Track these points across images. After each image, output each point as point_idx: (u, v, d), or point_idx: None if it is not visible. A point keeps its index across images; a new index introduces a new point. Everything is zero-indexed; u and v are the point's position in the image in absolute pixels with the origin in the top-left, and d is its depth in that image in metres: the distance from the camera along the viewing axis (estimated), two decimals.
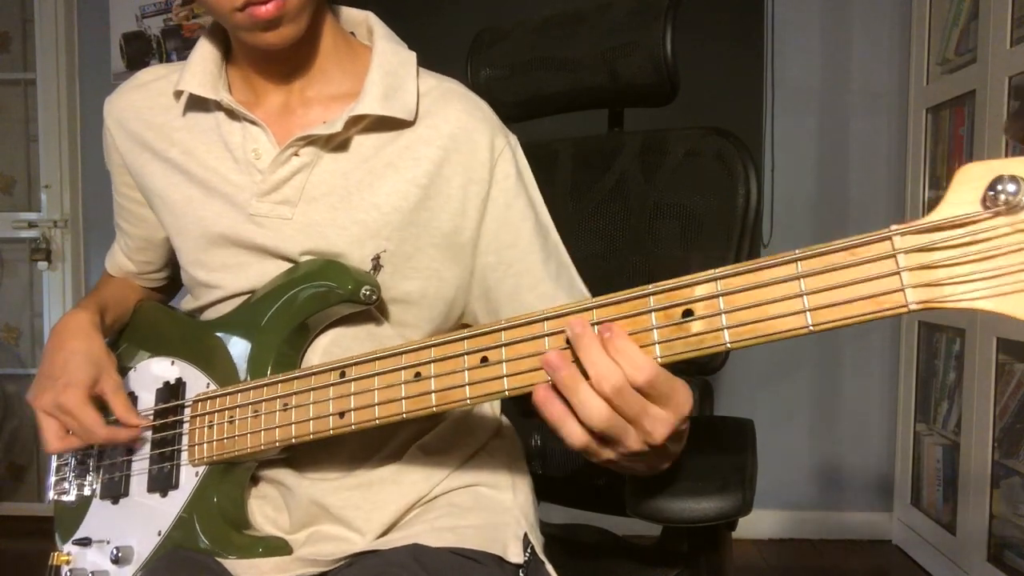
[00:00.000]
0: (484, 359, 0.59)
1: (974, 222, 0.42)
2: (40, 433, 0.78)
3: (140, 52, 2.46)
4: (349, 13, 0.83)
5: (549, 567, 0.76)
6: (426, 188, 0.75)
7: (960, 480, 1.92)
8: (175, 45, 2.45)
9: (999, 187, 0.41)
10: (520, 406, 0.96)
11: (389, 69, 0.76)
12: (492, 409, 0.89)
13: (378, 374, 0.65)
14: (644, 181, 1.00)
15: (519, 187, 0.79)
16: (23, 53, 2.61)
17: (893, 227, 0.44)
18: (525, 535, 0.76)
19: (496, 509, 0.78)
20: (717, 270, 0.50)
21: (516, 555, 0.73)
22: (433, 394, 0.61)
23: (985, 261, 0.42)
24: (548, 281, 0.79)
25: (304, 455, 0.77)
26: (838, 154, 2.30)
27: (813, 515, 2.34)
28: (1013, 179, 0.41)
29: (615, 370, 0.52)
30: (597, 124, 1.10)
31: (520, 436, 0.91)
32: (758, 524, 2.32)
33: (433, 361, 0.61)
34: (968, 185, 0.43)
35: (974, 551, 1.86)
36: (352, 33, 0.83)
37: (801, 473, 2.35)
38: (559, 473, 1.09)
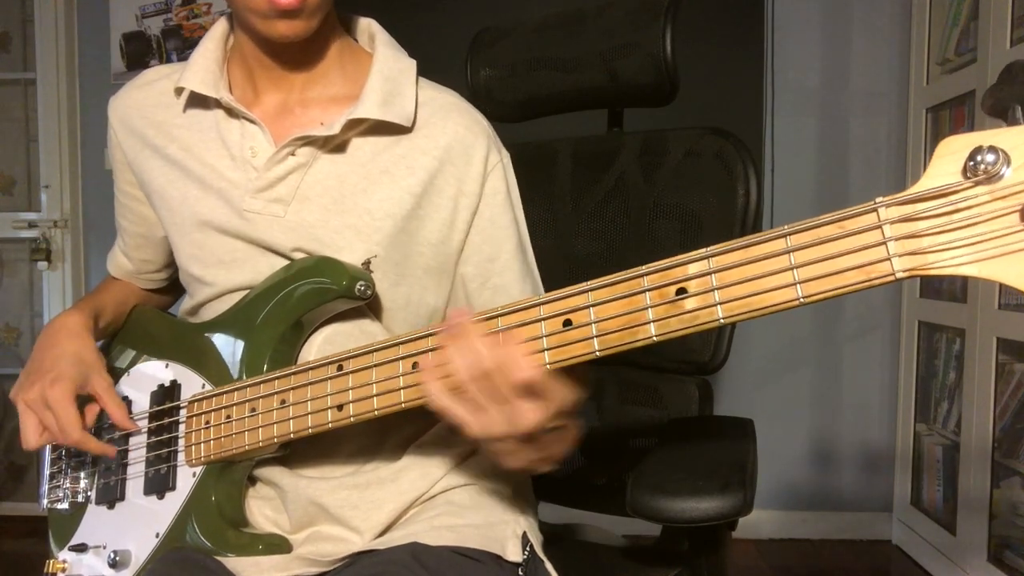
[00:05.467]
0: None
1: (955, 192, 0.44)
2: (21, 428, 0.77)
3: (140, 52, 2.46)
4: (353, 20, 0.85)
5: (548, 566, 0.76)
6: (419, 197, 0.76)
7: (960, 480, 1.92)
8: (175, 45, 2.45)
9: (978, 157, 0.43)
10: None
11: (389, 75, 0.77)
12: None
13: (375, 366, 0.65)
14: (644, 181, 1.00)
15: (506, 204, 0.81)
16: (23, 53, 2.61)
17: (878, 199, 0.46)
18: (524, 534, 0.76)
19: (495, 508, 0.78)
20: (709, 248, 0.51)
21: (515, 554, 0.73)
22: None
23: (966, 228, 0.44)
24: None
25: (302, 455, 0.77)
26: (838, 154, 2.30)
27: (813, 515, 2.34)
28: (992, 149, 0.42)
29: (484, 359, 0.56)
30: (597, 124, 1.10)
31: None
32: (758, 524, 2.32)
33: (431, 350, 0.62)
34: (949, 157, 0.45)
35: (974, 551, 1.86)
36: (355, 40, 0.84)
37: (801, 473, 2.35)
38: (559, 473, 1.09)
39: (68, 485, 0.85)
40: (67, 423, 0.75)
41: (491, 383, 0.56)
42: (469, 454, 0.81)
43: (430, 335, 0.63)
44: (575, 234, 1.04)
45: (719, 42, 2.18)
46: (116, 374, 0.86)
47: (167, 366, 0.82)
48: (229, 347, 0.78)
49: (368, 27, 0.84)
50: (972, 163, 0.43)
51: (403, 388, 0.63)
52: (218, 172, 0.78)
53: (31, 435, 0.77)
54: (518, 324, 0.58)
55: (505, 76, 1.09)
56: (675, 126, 1.01)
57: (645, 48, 0.96)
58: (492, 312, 0.59)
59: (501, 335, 0.57)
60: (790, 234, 0.49)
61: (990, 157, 0.42)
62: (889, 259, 0.46)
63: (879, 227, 0.46)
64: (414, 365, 0.63)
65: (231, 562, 0.73)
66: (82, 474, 0.85)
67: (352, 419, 0.66)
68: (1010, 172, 0.43)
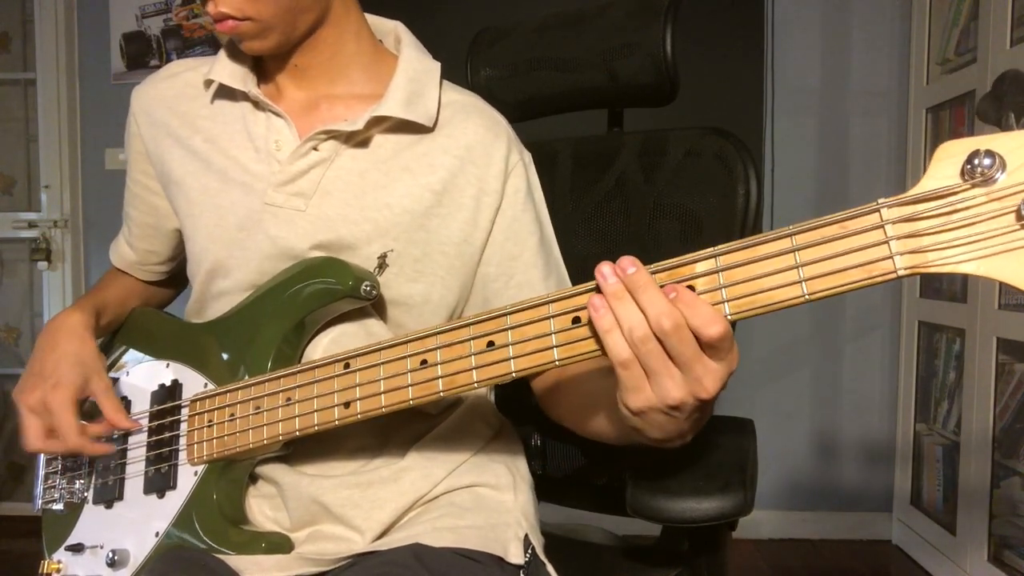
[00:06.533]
0: (490, 343, 0.60)
1: (954, 193, 0.46)
2: (22, 431, 0.77)
3: (140, 52, 2.45)
4: (378, 22, 0.86)
5: (550, 568, 0.76)
6: (439, 195, 0.77)
7: (960, 480, 1.92)
8: (175, 45, 2.45)
9: (975, 161, 0.45)
10: (515, 411, 0.96)
11: (413, 76, 0.79)
12: (492, 410, 0.89)
13: (383, 363, 0.65)
14: (644, 181, 1.00)
15: (528, 202, 0.82)
16: (23, 53, 2.61)
17: (880, 200, 0.48)
18: (526, 536, 0.76)
19: (497, 509, 0.78)
20: (716, 247, 0.52)
21: (517, 556, 0.73)
22: (440, 379, 0.62)
23: (965, 228, 0.46)
24: None
25: (304, 453, 0.77)
26: (838, 154, 2.30)
27: (813, 515, 2.34)
28: (988, 153, 0.44)
29: (674, 310, 0.50)
30: (597, 124, 1.10)
31: (520, 436, 0.91)
32: (758, 524, 2.32)
33: (439, 348, 0.62)
34: (948, 160, 0.46)
35: (974, 551, 1.86)
36: (381, 41, 0.85)
37: (801, 473, 2.35)
38: (559, 473, 1.09)
39: (64, 485, 0.85)
40: (67, 429, 0.75)
41: (678, 338, 0.50)
42: (471, 456, 0.82)
43: (438, 333, 0.62)
44: (575, 234, 1.04)
45: (719, 42, 2.18)
46: (116, 375, 0.86)
47: (168, 366, 0.82)
48: (232, 347, 0.78)
49: (395, 29, 0.86)
50: (970, 166, 0.45)
51: (411, 385, 0.63)
52: (241, 165, 0.78)
53: (33, 438, 0.76)
54: (531, 321, 0.58)
55: (505, 76, 1.09)
56: (675, 126, 1.01)
57: (645, 48, 0.96)
58: (499, 311, 0.60)
59: (673, 290, 0.51)
60: (795, 234, 0.50)
61: (987, 160, 0.44)
62: (891, 257, 0.47)
63: (881, 227, 0.47)
64: (422, 362, 0.63)
65: (232, 560, 0.73)
66: (78, 474, 0.85)
67: (359, 416, 0.66)
68: (1005, 175, 0.44)
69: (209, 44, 2.44)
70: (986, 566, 1.82)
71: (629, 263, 0.52)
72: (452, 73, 0.87)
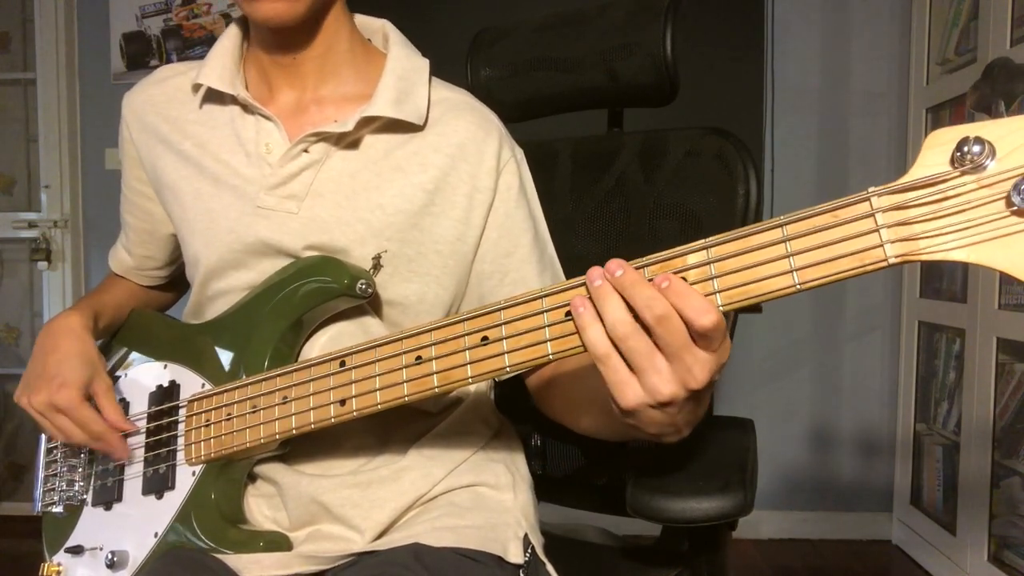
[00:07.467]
0: (484, 338, 0.60)
1: (945, 180, 0.46)
2: (50, 432, 0.78)
3: (140, 52, 2.46)
4: (367, 21, 0.86)
5: (549, 567, 0.76)
6: (432, 194, 0.77)
7: (960, 480, 1.92)
8: (175, 45, 2.45)
9: (965, 148, 0.44)
10: (515, 411, 0.95)
11: (402, 74, 0.78)
12: (492, 409, 0.89)
13: (378, 360, 0.65)
14: (644, 181, 1.00)
15: (521, 199, 0.81)
16: (23, 53, 2.61)
17: (871, 189, 0.48)
18: (525, 535, 0.76)
19: (496, 509, 0.78)
20: (707, 239, 0.52)
21: (516, 555, 0.73)
22: (435, 375, 0.62)
23: (955, 215, 0.45)
24: None
25: (303, 453, 0.77)
26: (838, 154, 2.30)
27: (813, 515, 2.34)
28: (978, 140, 0.44)
29: (663, 299, 0.50)
30: (597, 124, 1.10)
31: (520, 436, 0.91)
32: (758, 524, 2.32)
33: (433, 344, 0.62)
34: (938, 148, 0.46)
35: (974, 551, 1.86)
36: (369, 40, 0.85)
37: (801, 473, 2.35)
38: (559, 473, 1.09)
39: (63, 487, 0.85)
40: (86, 421, 0.76)
41: (665, 328, 0.50)
42: (470, 456, 0.81)
43: (432, 330, 0.63)
44: (575, 234, 1.04)
45: (719, 42, 2.19)
46: (114, 376, 0.86)
47: (165, 367, 0.82)
48: (229, 347, 0.78)
49: (382, 28, 0.85)
50: (959, 153, 0.45)
51: (406, 381, 0.64)
52: (232, 168, 0.78)
53: (70, 433, 0.77)
54: (525, 316, 0.58)
55: (505, 76, 1.09)
56: (675, 126, 1.01)
57: (645, 48, 0.96)
58: (492, 306, 0.60)
59: (665, 279, 0.51)
60: (786, 224, 0.50)
61: (976, 147, 0.44)
62: (882, 245, 0.47)
63: (872, 215, 0.47)
64: (417, 358, 0.63)
65: (231, 560, 0.73)
66: (77, 476, 0.85)
67: (355, 413, 0.66)
68: (995, 162, 0.44)
69: (208, 44, 2.44)
70: (986, 566, 1.82)
71: (616, 266, 0.52)
72: (452, 73, 0.87)
